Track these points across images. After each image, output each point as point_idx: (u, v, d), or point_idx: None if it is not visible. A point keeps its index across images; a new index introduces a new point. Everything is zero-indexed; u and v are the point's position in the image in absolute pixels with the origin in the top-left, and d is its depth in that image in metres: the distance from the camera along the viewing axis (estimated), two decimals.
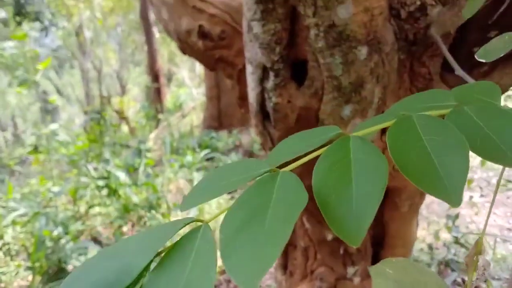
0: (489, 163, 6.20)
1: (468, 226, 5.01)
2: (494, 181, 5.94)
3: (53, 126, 5.62)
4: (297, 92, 0.92)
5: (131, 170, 5.12)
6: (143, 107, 11.07)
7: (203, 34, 1.36)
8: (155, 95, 9.64)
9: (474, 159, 5.98)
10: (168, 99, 10.79)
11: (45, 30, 9.37)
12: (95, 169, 5.35)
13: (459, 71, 0.77)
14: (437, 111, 0.42)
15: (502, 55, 0.52)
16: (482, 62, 1.10)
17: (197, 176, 5.61)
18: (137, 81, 12.53)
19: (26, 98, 11.90)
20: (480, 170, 5.95)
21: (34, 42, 11.86)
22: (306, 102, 0.91)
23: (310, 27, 0.83)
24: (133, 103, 11.16)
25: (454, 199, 0.30)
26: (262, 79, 0.94)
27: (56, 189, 4.34)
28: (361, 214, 0.30)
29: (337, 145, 0.37)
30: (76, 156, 5.44)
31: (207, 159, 6.22)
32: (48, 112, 11.84)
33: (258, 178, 0.35)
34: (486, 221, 0.57)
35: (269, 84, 0.93)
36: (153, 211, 4.33)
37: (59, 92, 12.03)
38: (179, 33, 1.37)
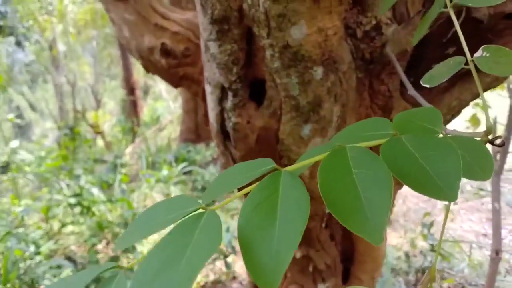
0: None
1: (444, 233, 5.08)
2: (468, 187, 6.06)
3: (14, 144, 5.47)
4: (256, 112, 0.91)
5: (104, 186, 5.02)
6: (119, 121, 10.92)
7: (166, 51, 1.34)
8: (131, 108, 9.54)
9: None
10: (145, 113, 10.70)
11: (19, 44, 9.21)
12: (68, 185, 5.24)
13: (411, 90, 0.78)
14: (375, 141, 0.41)
15: (445, 80, 0.52)
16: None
17: (175, 190, 5.55)
18: (113, 94, 12.39)
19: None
20: None
21: (7, 56, 11.61)
22: (265, 122, 0.90)
23: (265, 47, 0.82)
24: (109, 117, 11.02)
25: (376, 238, 0.29)
26: (221, 99, 0.93)
27: (21, 208, 4.23)
28: (280, 257, 0.28)
29: (267, 181, 0.36)
30: (48, 174, 5.31)
31: (185, 173, 6.16)
32: (21, 127, 11.59)
33: (183, 218, 0.34)
34: (440, 238, 0.57)
35: (228, 104, 0.92)
36: None
37: (32, 107, 11.79)
38: (141, 51, 1.35)
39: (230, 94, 0.91)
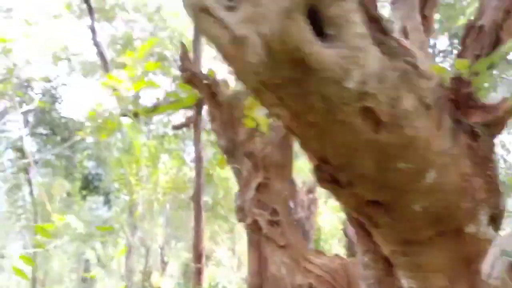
0: None
1: None
2: None
3: None
4: None
5: None
6: (178, 284, 11.05)
7: None
8: (196, 275, 9.73)
9: None
10: (204, 279, 10.78)
11: (108, 203, 10.23)
12: None
13: None
14: None
15: None
16: None
17: None
18: (177, 256, 12.78)
19: (68, 264, 12.16)
20: None
21: (89, 210, 12.69)
22: None
23: None
24: (169, 280, 11.19)
25: None
26: None
27: None
28: None
29: None
30: None
31: None
32: (85, 281, 11.93)
33: None
34: None
35: None
36: None
37: (100, 262, 12.27)
38: (293, 285, 1.70)
39: None
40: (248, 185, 1.77)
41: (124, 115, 7.44)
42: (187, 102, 2.03)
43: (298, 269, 1.69)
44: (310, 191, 2.76)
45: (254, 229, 1.75)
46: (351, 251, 2.10)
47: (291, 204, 3.64)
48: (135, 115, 7.38)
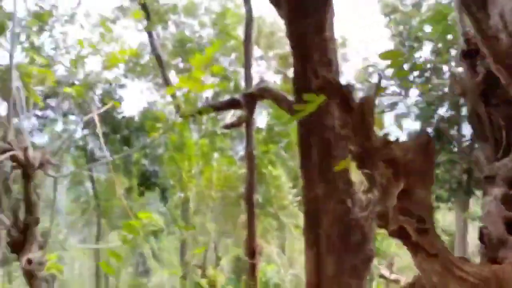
0: None
1: None
2: None
3: None
4: None
5: None
6: (230, 279, 11.20)
7: None
8: (249, 271, 9.83)
9: None
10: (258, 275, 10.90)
11: (164, 199, 10.53)
12: None
13: None
14: None
15: None
16: None
17: None
18: (226, 251, 12.97)
19: (124, 259, 12.57)
20: None
21: (141, 206, 13.04)
22: None
23: None
24: (222, 275, 11.36)
25: None
26: None
27: None
28: None
29: None
30: None
31: None
32: (142, 273, 12.30)
33: None
34: None
35: None
36: None
37: (154, 255, 12.57)
38: None
39: None
40: (388, 192, 1.76)
41: (190, 116, 7.55)
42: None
43: (452, 278, 1.69)
44: (368, 190, 2.71)
45: (399, 236, 1.74)
46: (489, 257, 2.09)
47: (349, 203, 3.59)
48: (199, 113, 7.46)
